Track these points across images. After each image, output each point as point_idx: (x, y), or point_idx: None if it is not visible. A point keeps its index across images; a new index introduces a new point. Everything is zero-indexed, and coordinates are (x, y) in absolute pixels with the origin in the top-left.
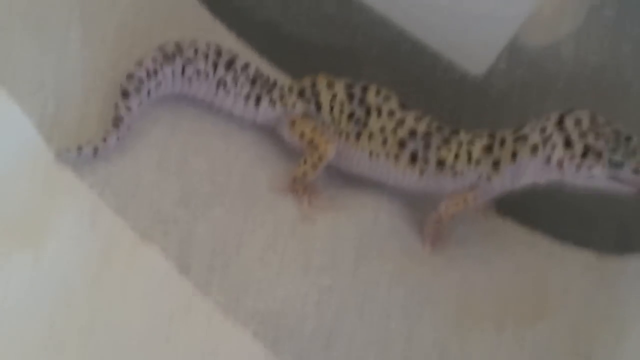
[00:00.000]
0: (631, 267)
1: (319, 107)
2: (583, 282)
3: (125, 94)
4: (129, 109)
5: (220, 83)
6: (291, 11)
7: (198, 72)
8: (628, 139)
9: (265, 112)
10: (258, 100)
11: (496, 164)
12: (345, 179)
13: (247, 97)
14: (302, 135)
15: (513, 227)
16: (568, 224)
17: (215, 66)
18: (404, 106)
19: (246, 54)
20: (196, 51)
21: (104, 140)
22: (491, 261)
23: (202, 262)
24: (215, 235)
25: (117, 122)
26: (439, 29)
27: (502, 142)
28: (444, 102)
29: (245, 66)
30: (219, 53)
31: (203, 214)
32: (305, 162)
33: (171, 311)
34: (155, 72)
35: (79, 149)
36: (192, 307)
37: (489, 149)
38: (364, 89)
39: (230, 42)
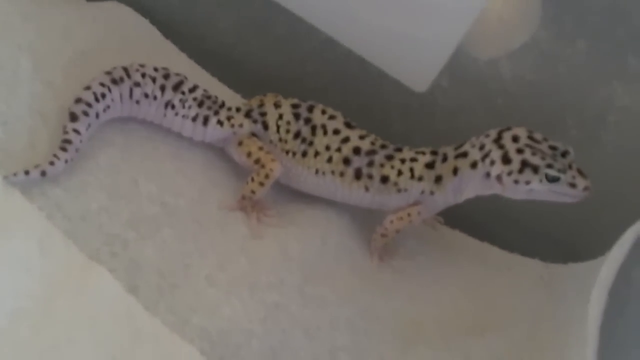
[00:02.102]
0: (576, 275)
1: (265, 126)
2: (530, 291)
3: (73, 118)
4: (77, 132)
5: (168, 105)
6: (242, 33)
7: (146, 95)
8: (564, 154)
9: (213, 132)
10: (206, 121)
11: (438, 180)
12: (294, 195)
13: (195, 118)
14: (249, 154)
15: (462, 238)
16: (516, 235)
17: (163, 89)
18: (349, 125)
19: (198, 75)
20: (144, 75)
21: (52, 163)
22: (439, 274)
23: (150, 283)
24: (163, 255)
25: (65, 145)
26: (383, 49)
27: (444, 159)
28: (389, 119)
29: (193, 88)
30: (166, 76)
31: (152, 236)
32: (252, 180)
33: (120, 331)
34: (103, 96)
35: (27, 172)
36: (141, 326)
37: (431, 165)
38: (310, 109)
39: (182, 63)
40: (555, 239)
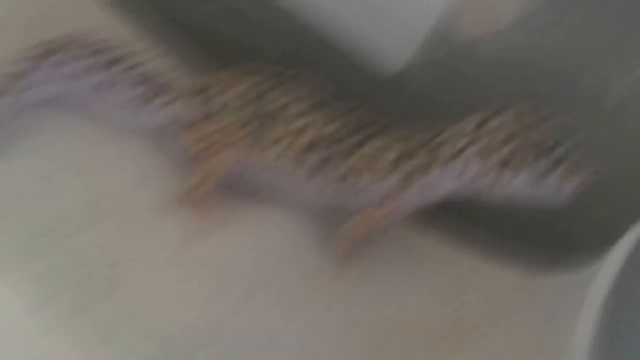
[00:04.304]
0: (560, 286)
1: (215, 109)
2: (509, 304)
3: None
4: None
5: (103, 84)
6: (195, 1)
7: (77, 72)
8: (556, 144)
9: (155, 116)
10: (147, 103)
11: (408, 177)
12: (246, 190)
13: (133, 100)
14: (194, 142)
15: (433, 243)
16: (492, 240)
17: (97, 64)
18: (315, 107)
19: (145, 46)
20: (76, 48)
21: None
22: (406, 284)
23: (67, 295)
24: (86, 263)
25: None
26: (351, 22)
27: (415, 152)
28: (356, 100)
29: (134, 65)
30: (101, 50)
31: (72, 240)
32: (197, 173)
33: (31, 343)
34: (29, 71)
35: None
36: (52, 341)
37: (399, 159)
38: (270, 88)
39: (126, 31)
40: (540, 246)
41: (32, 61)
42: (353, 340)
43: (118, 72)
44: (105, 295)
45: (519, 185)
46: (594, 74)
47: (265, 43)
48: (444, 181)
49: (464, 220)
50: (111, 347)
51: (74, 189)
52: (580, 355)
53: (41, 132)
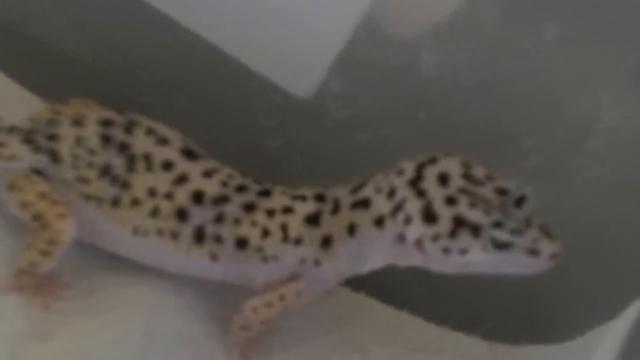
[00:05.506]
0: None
1: (55, 158)
2: None
3: None
4: None
5: None
6: (43, 3)
7: None
8: (519, 201)
9: None
10: None
11: (327, 242)
12: (109, 260)
13: None
14: (24, 205)
15: (371, 306)
16: (446, 302)
17: None
18: (188, 153)
19: None
20: None
21: None
22: None
23: None
24: None
25: None
26: (247, 38)
27: (335, 209)
28: (261, 135)
29: None
30: None
31: None
32: (31, 246)
33: None
34: None
35: None
36: None
37: (314, 219)
38: (129, 127)
39: None
40: (504, 310)
41: None
42: None
43: None
44: None
45: (478, 254)
46: (574, 103)
47: (141, 58)
48: (378, 246)
49: (411, 275)
50: None
51: None
52: None
53: None
